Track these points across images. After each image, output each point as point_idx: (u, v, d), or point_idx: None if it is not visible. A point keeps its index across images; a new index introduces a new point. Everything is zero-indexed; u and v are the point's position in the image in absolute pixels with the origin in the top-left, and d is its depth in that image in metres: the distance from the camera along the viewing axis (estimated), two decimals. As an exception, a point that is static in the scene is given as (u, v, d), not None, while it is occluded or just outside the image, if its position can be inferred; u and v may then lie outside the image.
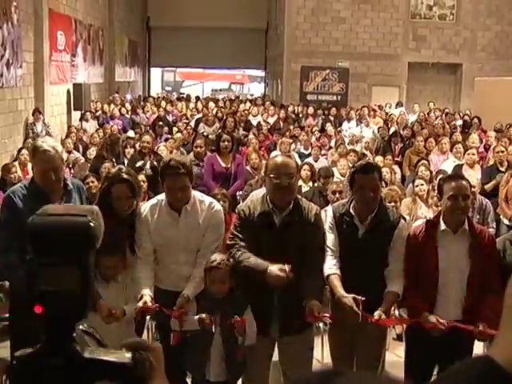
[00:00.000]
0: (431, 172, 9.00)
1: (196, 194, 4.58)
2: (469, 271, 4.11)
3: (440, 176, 6.88)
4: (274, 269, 3.97)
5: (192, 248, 4.52)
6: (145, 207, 4.62)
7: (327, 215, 4.50)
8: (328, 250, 4.38)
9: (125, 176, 4.56)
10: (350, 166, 9.01)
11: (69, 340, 1.30)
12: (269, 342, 4.41)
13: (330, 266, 4.32)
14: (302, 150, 12.67)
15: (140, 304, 4.24)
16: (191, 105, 20.29)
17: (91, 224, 1.29)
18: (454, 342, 4.08)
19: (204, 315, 4.16)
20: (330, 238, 4.40)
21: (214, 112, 17.98)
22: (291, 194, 4.20)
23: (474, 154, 9.37)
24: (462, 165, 9.35)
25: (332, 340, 4.72)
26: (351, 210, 4.35)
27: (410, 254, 4.27)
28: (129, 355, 1.31)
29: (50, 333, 1.30)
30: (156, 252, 4.58)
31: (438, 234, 4.23)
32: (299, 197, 4.43)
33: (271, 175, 4.14)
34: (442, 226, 4.22)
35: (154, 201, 4.63)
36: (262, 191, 7.39)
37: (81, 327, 1.40)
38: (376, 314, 4.06)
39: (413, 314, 4.30)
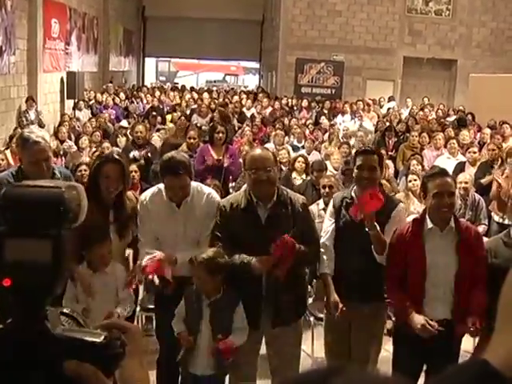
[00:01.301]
0: (423, 167, 8.99)
1: (194, 185, 4.60)
2: (456, 269, 4.07)
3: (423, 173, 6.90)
4: (257, 263, 4.05)
5: (191, 240, 4.55)
6: (145, 195, 4.66)
7: (330, 204, 4.69)
8: (323, 243, 4.50)
9: (117, 157, 4.68)
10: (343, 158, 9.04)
11: (39, 316, 1.25)
12: (257, 337, 4.41)
13: (324, 264, 4.48)
14: (296, 143, 12.65)
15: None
16: (187, 96, 20.20)
17: (64, 195, 1.24)
18: (441, 341, 4.09)
19: (184, 335, 4.26)
20: (327, 230, 4.54)
21: (207, 103, 17.95)
22: (271, 186, 4.20)
23: (475, 153, 9.34)
24: (464, 162, 9.33)
25: (328, 334, 4.75)
26: (352, 193, 4.50)
27: (396, 253, 4.23)
28: (104, 335, 1.28)
29: (18, 307, 1.25)
30: (158, 242, 4.64)
31: (424, 233, 4.19)
32: (283, 188, 4.41)
33: (249, 170, 4.18)
34: (429, 224, 4.17)
35: (154, 189, 4.66)
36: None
37: (64, 310, 1.36)
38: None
39: (400, 314, 4.29)
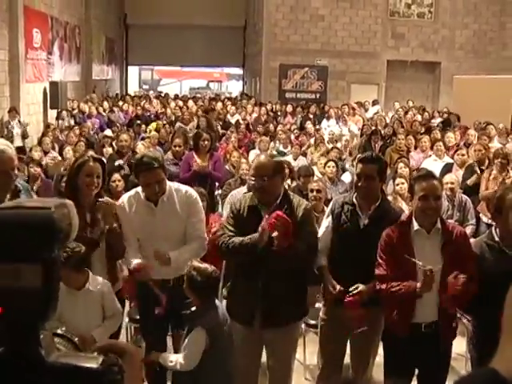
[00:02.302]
0: (410, 169, 9.01)
1: (171, 184, 4.70)
2: (441, 270, 4.06)
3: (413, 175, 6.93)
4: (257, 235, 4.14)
5: (173, 236, 4.61)
6: (123, 198, 4.77)
7: (329, 206, 4.74)
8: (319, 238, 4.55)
9: (96, 156, 4.79)
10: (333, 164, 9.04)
11: (32, 343, 1.21)
12: (254, 338, 4.43)
13: (321, 258, 4.52)
14: (281, 148, 12.65)
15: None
16: (172, 104, 20.17)
17: (54, 216, 1.20)
18: (430, 344, 4.10)
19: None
20: (323, 228, 4.60)
21: (194, 110, 17.93)
22: (266, 194, 4.30)
23: (463, 155, 9.32)
24: (452, 164, 9.33)
25: (323, 336, 4.75)
26: (354, 200, 4.50)
27: (385, 257, 4.21)
28: (100, 360, 1.24)
29: (10, 335, 1.21)
30: (138, 243, 4.69)
31: (412, 235, 4.19)
32: (289, 192, 4.53)
33: (249, 176, 4.38)
34: (415, 226, 4.18)
35: (131, 192, 4.76)
36: (242, 190, 7.43)
37: (58, 331, 1.33)
38: (354, 287, 4.30)
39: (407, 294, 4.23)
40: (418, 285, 4.01)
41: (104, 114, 17.57)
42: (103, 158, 4.87)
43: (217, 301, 4.21)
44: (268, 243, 4.11)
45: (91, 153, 4.98)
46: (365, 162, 4.49)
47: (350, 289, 4.31)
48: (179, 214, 4.61)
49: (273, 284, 4.23)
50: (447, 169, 9.02)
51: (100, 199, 4.71)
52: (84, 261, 4.25)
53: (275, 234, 4.06)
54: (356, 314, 4.28)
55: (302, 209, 4.36)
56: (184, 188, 4.74)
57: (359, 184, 4.45)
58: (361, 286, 4.31)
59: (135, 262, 4.54)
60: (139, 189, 4.68)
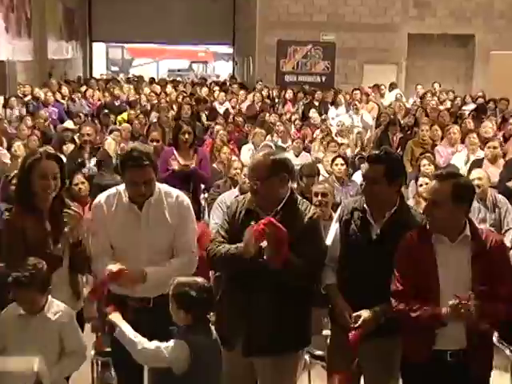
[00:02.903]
0: (436, 167, 9.01)
1: (161, 186, 4.79)
2: (471, 285, 4.07)
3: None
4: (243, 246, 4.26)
5: (158, 247, 4.69)
6: (100, 197, 4.82)
7: (337, 212, 4.81)
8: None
9: (52, 151, 4.87)
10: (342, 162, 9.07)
11: None
12: (243, 365, 4.53)
13: (329, 275, 4.59)
14: (280, 144, 12.68)
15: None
16: (146, 89, 20.15)
17: None
18: (459, 376, 4.13)
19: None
20: (331, 237, 4.67)
21: (174, 97, 17.93)
22: (260, 197, 4.45)
23: (495, 148, 9.28)
24: (482, 159, 9.30)
25: (331, 369, 4.77)
26: (365, 205, 4.54)
27: (403, 269, 4.24)
28: None
29: None
30: (113, 251, 4.75)
31: (433, 243, 4.21)
32: (297, 198, 4.59)
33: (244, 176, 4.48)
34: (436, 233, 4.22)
35: (112, 190, 4.82)
36: (233, 194, 7.45)
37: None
38: (355, 315, 4.36)
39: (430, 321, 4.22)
40: (444, 310, 4.03)
41: (63, 101, 17.54)
42: (60, 155, 4.88)
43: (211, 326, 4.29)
44: (257, 255, 4.18)
45: (43, 149, 4.97)
46: (368, 161, 4.58)
47: (352, 319, 4.36)
48: (167, 222, 4.68)
49: (262, 302, 4.31)
50: (476, 166, 8.95)
51: (63, 206, 4.76)
52: (48, 280, 4.34)
53: (264, 244, 4.11)
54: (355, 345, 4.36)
55: (306, 218, 4.42)
56: (175, 192, 4.84)
57: (363, 188, 4.61)
58: (364, 314, 4.34)
59: (111, 266, 4.54)
60: (122, 187, 4.75)
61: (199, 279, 4.19)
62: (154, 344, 4.10)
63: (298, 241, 4.29)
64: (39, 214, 4.66)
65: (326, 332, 5.19)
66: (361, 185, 4.79)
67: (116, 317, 4.33)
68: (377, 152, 4.67)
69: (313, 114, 15.64)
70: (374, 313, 4.34)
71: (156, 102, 17.31)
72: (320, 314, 5.10)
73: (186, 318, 4.13)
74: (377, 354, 4.48)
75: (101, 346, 5.80)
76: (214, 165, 10.14)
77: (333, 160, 9.19)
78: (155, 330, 4.32)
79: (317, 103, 18.04)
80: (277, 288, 4.28)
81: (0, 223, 4.92)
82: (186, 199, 4.85)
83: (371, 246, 4.46)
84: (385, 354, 4.47)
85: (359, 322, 4.32)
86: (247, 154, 11.60)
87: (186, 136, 8.41)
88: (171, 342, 4.07)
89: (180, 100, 17.42)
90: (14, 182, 7.29)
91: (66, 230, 4.68)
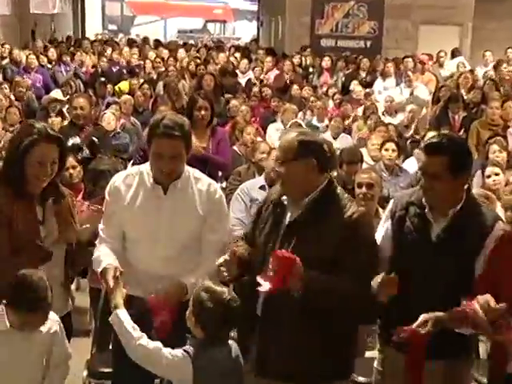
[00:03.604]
0: (510, 154, 8.96)
1: (191, 170, 4.92)
2: None
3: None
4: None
5: (177, 240, 4.76)
6: (116, 178, 4.92)
7: (387, 208, 4.80)
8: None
9: (54, 132, 4.82)
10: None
11: None
12: None
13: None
14: (315, 122, 12.67)
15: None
16: (151, 54, 20.14)
17: None
18: None
19: None
20: (380, 236, 4.68)
21: (185, 64, 17.97)
22: (284, 184, 4.51)
23: None
24: None
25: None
26: (423, 199, 4.52)
27: (493, 272, 4.24)
28: None
29: None
30: (124, 242, 4.83)
31: None
32: (335, 189, 4.53)
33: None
34: None
35: (132, 169, 4.97)
36: (258, 183, 7.46)
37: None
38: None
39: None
40: None
41: (49, 66, 17.57)
42: (60, 137, 4.85)
43: (230, 341, 4.31)
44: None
45: (42, 126, 4.85)
46: (427, 152, 4.50)
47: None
48: (196, 212, 4.79)
49: (291, 326, 4.32)
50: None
51: (57, 193, 4.83)
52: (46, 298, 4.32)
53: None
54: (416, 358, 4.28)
55: (347, 217, 4.33)
56: (207, 179, 4.96)
57: (421, 183, 4.55)
58: (426, 315, 4.24)
59: (108, 262, 4.60)
60: (146, 167, 4.85)
61: (226, 292, 4.21)
62: (156, 344, 4.15)
63: (335, 249, 4.26)
64: (29, 200, 4.70)
65: (372, 354, 5.17)
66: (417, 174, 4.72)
67: (118, 296, 4.36)
68: (437, 139, 4.59)
69: (355, 86, 15.59)
70: (442, 316, 4.23)
71: (163, 69, 17.32)
72: (364, 331, 5.08)
73: (197, 329, 4.19)
74: (443, 379, 4.47)
75: (95, 366, 5.82)
76: (235, 147, 10.13)
77: (382, 144, 9.15)
78: (170, 336, 4.40)
79: (360, 74, 17.99)
80: (311, 310, 4.26)
81: None
82: (220, 191, 4.96)
83: (430, 249, 4.43)
84: (447, 381, 4.46)
85: (420, 320, 4.21)
86: (275, 134, 11.56)
87: (202, 112, 8.35)
88: (178, 352, 4.12)
89: (192, 67, 17.33)
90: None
91: (79, 226, 4.77)
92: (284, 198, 4.48)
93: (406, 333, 4.17)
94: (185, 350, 4.12)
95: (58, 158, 4.72)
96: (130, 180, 4.83)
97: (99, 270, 4.63)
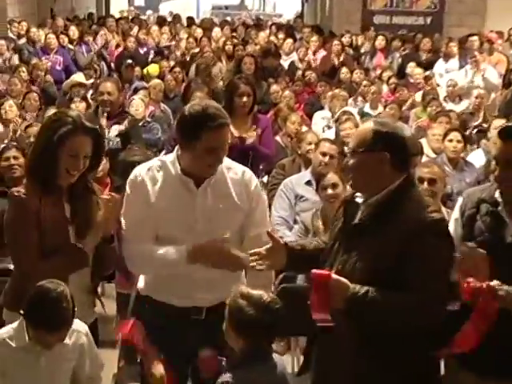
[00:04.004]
0: None
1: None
2: None
3: None
4: None
5: (218, 235, 4.71)
6: (138, 171, 4.86)
7: (456, 207, 4.78)
8: None
9: (89, 124, 4.83)
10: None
11: None
12: None
13: None
14: (367, 109, 12.66)
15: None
16: (182, 33, 20.17)
17: None
18: None
19: None
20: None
21: (221, 43, 18.02)
22: (352, 180, 4.54)
23: None
24: None
25: None
26: (497, 196, 4.49)
27: None
28: None
29: None
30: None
31: None
32: (411, 189, 4.42)
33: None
34: None
35: (153, 162, 4.90)
36: (304, 178, 7.48)
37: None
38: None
39: None
40: None
41: (70, 46, 17.65)
42: (98, 129, 4.94)
43: (275, 355, 4.33)
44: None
45: (76, 114, 4.91)
46: (503, 136, 4.45)
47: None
48: (235, 204, 4.83)
49: (346, 350, 4.28)
50: None
51: (87, 190, 4.87)
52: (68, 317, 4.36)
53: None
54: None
55: (415, 223, 4.21)
56: (239, 167, 5.00)
57: (496, 173, 4.49)
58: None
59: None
60: (168, 158, 4.85)
61: (265, 294, 4.22)
62: None
63: (397, 260, 4.17)
64: (58, 196, 4.75)
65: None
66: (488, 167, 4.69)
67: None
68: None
69: (413, 69, 15.54)
70: None
71: (197, 50, 17.37)
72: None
73: (239, 343, 4.20)
74: None
75: (123, 380, 5.88)
76: (278, 138, 10.15)
77: (445, 134, 9.11)
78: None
79: (419, 55, 17.93)
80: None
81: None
82: (254, 178, 5.02)
83: (506, 251, 4.38)
84: None
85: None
86: (321, 123, 11.58)
87: (244, 99, 8.36)
88: None
89: (229, 48, 17.31)
90: (6, 155, 7.45)
91: (98, 219, 4.76)
92: (358, 195, 4.47)
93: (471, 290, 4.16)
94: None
95: (93, 151, 4.75)
96: (153, 173, 4.81)
97: (183, 254, 4.64)
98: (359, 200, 4.43)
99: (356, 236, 4.31)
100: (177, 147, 4.83)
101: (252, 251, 4.46)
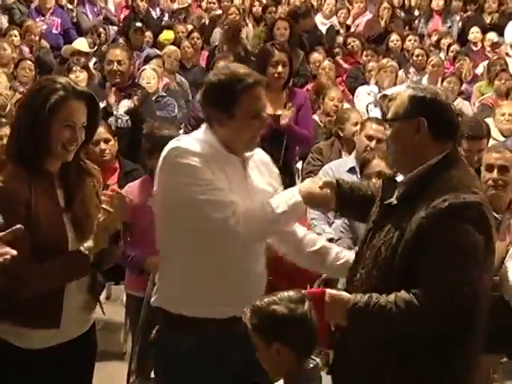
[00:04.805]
0: None
1: None
2: None
3: None
4: None
5: None
6: (194, 147, 4.67)
7: None
8: None
9: (81, 88, 4.86)
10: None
11: None
12: None
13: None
14: (422, 85, 12.64)
15: None
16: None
17: None
18: None
19: None
20: None
21: (248, 5, 18.03)
22: (389, 154, 4.70)
23: None
24: None
25: None
26: None
27: None
28: None
29: None
30: (200, 240, 4.68)
31: None
32: (452, 167, 4.37)
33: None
34: None
35: (192, 139, 4.79)
36: (345, 164, 7.54)
37: None
38: None
39: None
40: None
41: (71, 6, 17.69)
42: (93, 95, 4.86)
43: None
44: None
45: (65, 80, 4.83)
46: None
47: None
48: (270, 186, 4.93)
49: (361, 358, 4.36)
50: None
51: (81, 171, 4.86)
52: None
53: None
54: None
55: (438, 208, 4.17)
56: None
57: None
58: None
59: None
60: (205, 136, 4.76)
61: (291, 291, 4.19)
62: None
63: (413, 251, 4.19)
64: (49, 180, 4.71)
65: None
66: None
67: None
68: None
69: (477, 34, 15.48)
70: None
71: (219, 12, 17.36)
72: (485, 363, 5.08)
73: (287, 357, 4.14)
74: None
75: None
76: (315, 116, 10.18)
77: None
78: (247, 368, 4.54)
79: (484, 17, 17.89)
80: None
81: None
82: (268, 158, 5.10)
83: None
84: None
85: None
86: (366, 99, 11.57)
87: (279, 69, 8.36)
88: None
89: (257, 9, 17.29)
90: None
91: (100, 218, 4.70)
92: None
93: None
94: None
95: (88, 120, 4.72)
96: (208, 152, 4.65)
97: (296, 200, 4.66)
98: (399, 179, 4.46)
99: (386, 218, 4.36)
100: (203, 126, 4.78)
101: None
